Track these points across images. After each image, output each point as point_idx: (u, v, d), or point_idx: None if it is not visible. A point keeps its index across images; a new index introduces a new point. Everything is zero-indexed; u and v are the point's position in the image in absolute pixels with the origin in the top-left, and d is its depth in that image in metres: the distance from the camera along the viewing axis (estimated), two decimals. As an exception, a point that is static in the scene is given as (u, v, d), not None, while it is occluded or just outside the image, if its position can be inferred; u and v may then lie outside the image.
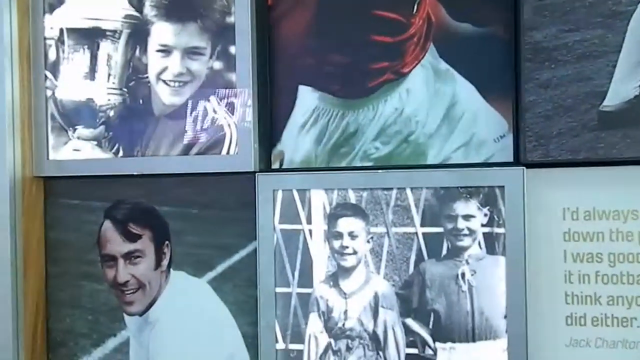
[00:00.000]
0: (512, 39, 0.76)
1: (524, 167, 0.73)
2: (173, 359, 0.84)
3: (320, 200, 0.79)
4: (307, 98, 0.83)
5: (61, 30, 0.88)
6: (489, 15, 0.77)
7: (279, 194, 0.80)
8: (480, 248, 0.74)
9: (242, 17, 0.80)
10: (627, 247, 0.73)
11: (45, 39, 0.88)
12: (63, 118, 0.88)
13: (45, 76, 0.88)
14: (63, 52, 0.88)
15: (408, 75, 0.80)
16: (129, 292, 0.86)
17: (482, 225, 0.74)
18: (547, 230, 0.75)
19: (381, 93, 0.81)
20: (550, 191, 0.75)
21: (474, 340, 0.74)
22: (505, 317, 0.73)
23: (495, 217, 0.73)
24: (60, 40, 0.88)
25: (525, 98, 0.73)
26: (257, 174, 0.80)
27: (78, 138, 0.88)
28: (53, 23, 0.88)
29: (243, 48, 0.80)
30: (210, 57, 0.82)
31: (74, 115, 0.88)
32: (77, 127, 0.88)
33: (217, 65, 0.82)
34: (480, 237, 0.74)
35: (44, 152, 0.88)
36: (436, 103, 0.79)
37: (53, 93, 0.89)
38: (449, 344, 0.74)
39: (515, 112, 0.76)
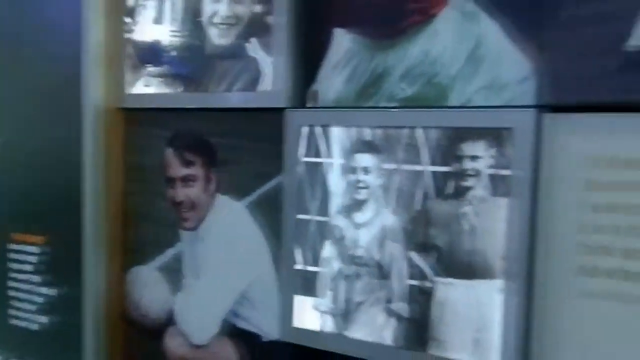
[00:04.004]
0: (541, -23, 0.73)
1: (536, 110, 0.72)
2: (216, 270, 0.97)
3: (339, 137, 0.84)
4: (342, 40, 0.87)
5: (138, -20, 1.01)
6: (520, -48, 0.75)
7: (304, 130, 0.87)
8: (485, 189, 0.74)
9: (280, -37, 0.86)
10: (649, 199, 0.69)
11: (125, -13, 1.03)
12: (137, 57, 1.03)
13: (125, 21, 1.03)
14: (139, -1, 1.02)
15: (436, 16, 0.80)
16: (184, 210, 1.00)
17: (488, 167, 0.74)
18: (565, 178, 0.73)
19: (410, 35, 0.82)
20: (570, 137, 0.72)
21: (472, 278, 0.76)
22: (504, 258, 0.73)
23: (502, 159, 0.73)
24: (137, -11, 1.02)
25: (546, 39, 0.71)
26: (285, 110, 0.88)
27: (148, 75, 1.02)
28: (132, -26, 1.02)
29: (280, -8, 0.86)
30: (253, 1, 0.90)
31: (145, 55, 1.02)
32: (147, 65, 1.02)
33: (258, 8, 0.89)
34: (485, 179, 0.74)
35: (123, 87, 1.04)
36: (461, 44, 0.78)
37: (130, 36, 1.03)
38: (448, 279, 0.77)
39: (538, 54, 0.74)
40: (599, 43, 0.68)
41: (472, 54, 0.78)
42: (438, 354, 0.78)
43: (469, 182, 0.75)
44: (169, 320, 1.04)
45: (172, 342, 1.04)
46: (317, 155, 0.86)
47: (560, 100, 0.71)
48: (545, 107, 0.72)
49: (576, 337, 0.73)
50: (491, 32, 0.76)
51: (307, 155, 0.87)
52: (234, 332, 0.97)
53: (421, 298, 0.79)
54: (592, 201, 0.72)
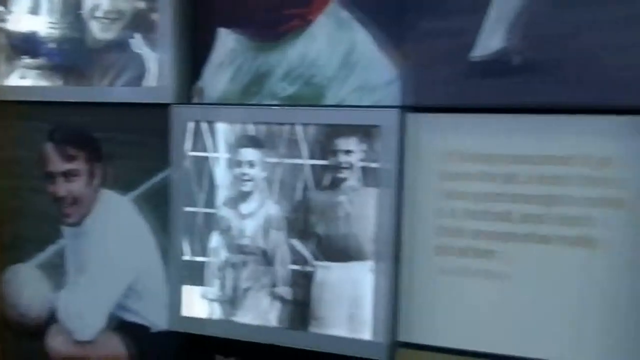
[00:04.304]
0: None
1: (400, 110, 0.81)
2: (101, 265, 0.97)
3: (225, 132, 0.89)
4: (226, 40, 0.91)
5: (11, -33, 0.97)
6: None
7: (190, 125, 0.90)
8: (357, 180, 0.83)
9: (164, -39, 0.88)
10: (491, 187, 0.81)
11: (-3, -26, 0.98)
12: (12, 48, 0.99)
13: (-3, 9, 0.98)
14: (13, -13, 0.98)
15: (314, 22, 0.87)
16: (66, 205, 0.98)
17: (360, 161, 0.82)
18: (424, 170, 0.83)
19: (290, 38, 0.88)
20: (429, 134, 0.83)
21: (347, 260, 0.84)
22: (374, 242, 0.82)
23: (372, 153, 0.82)
24: (10, -24, 0.98)
25: (408, 48, 0.81)
26: (171, 105, 0.90)
27: (24, 67, 0.98)
28: (4, -40, 0.98)
29: (164, -10, 0.88)
30: (137, -3, 0.91)
31: (21, 46, 0.98)
32: (23, 56, 0.98)
33: (142, 5, 0.90)
34: (358, 171, 0.83)
35: (-4, 78, 0.99)
36: (336, 49, 0.86)
37: (4, 25, 0.99)
38: (326, 263, 0.85)
39: (401, 61, 0.83)
40: (449, 53, 0.78)
41: (346, 58, 0.86)
42: (318, 331, 0.86)
43: (343, 174, 0.83)
44: (51, 319, 1.01)
45: (54, 341, 1.02)
46: (203, 149, 0.90)
47: (420, 101, 0.81)
48: (408, 108, 0.82)
49: (437, 309, 0.84)
50: (362, 39, 0.85)
51: (193, 150, 0.90)
52: (121, 326, 0.97)
53: (302, 281, 0.86)
54: (447, 190, 0.83)
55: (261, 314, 0.88)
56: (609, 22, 0.73)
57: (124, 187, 0.95)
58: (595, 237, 0.77)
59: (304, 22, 0.88)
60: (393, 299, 0.83)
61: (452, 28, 0.78)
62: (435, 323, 0.84)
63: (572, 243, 0.78)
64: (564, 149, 0.78)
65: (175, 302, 0.92)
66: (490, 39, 0.77)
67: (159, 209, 0.93)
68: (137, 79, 0.92)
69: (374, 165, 0.82)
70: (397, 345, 0.84)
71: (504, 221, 0.81)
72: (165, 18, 0.89)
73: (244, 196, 0.88)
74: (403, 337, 0.85)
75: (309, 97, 0.87)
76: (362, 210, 0.83)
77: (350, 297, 0.84)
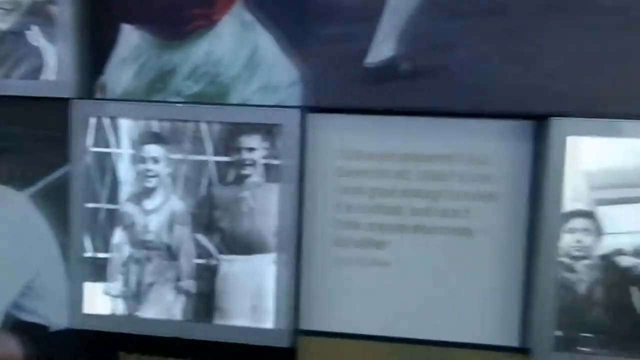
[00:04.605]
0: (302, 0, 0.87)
1: (301, 110, 0.86)
2: (-5, 264, 0.94)
3: (128, 128, 0.89)
4: (130, 36, 0.91)
5: None
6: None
7: (92, 120, 0.89)
8: (260, 176, 0.87)
9: (63, -48, 0.87)
10: (384, 183, 0.88)
11: None
12: None
13: None
14: None
15: (218, 23, 0.90)
16: (-45, 202, 0.93)
17: (263, 158, 0.86)
18: (323, 167, 0.89)
19: (194, 37, 0.90)
20: (327, 133, 0.88)
21: (250, 253, 0.87)
22: (276, 235, 0.87)
23: (274, 151, 0.86)
24: None
25: (308, 52, 0.86)
26: (71, 100, 0.89)
27: None
28: None
29: (63, -17, 0.87)
30: (34, -12, 0.88)
31: None
32: None
33: (40, -4, 0.88)
34: (260, 167, 0.87)
35: None
36: (240, 50, 0.89)
37: None
38: (230, 256, 0.88)
39: (302, 64, 0.88)
40: (346, 58, 0.84)
41: (250, 58, 0.89)
42: (222, 322, 0.89)
43: (246, 171, 0.87)
44: (-62, 322, 0.96)
45: (-59, 345, 0.96)
46: (106, 145, 0.90)
47: (319, 102, 0.86)
48: (308, 108, 0.87)
49: (336, 297, 0.90)
50: (265, 41, 0.88)
51: (95, 145, 0.90)
52: (17, 326, 0.94)
53: (207, 274, 0.89)
54: (344, 185, 0.89)
55: (165, 308, 0.90)
56: (486, 34, 0.82)
57: (21, 183, 0.92)
58: (472, 227, 0.86)
59: (209, 21, 0.90)
60: (294, 289, 0.88)
61: (348, 35, 0.84)
62: (334, 310, 0.90)
63: (453, 233, 0.87)
64: (447, 148, 0.86)
65: (76, 299, 0.91)
66: (382, 47, 0.83)
67: (59, 205, 0.91)
68: (35, 72, 0.90)
69: (276, 162, 0.86)
70: (298, 333, 0.89)
71: (395, 214, 0.88)
72: (64, 11, 0.87)
73: (148, 192, 0.89)
74: (304, 325, 0.90)
75: (213, 95, 0.90)
76: (264, 205, 0.87)
77: (254, 289, 0.88)
